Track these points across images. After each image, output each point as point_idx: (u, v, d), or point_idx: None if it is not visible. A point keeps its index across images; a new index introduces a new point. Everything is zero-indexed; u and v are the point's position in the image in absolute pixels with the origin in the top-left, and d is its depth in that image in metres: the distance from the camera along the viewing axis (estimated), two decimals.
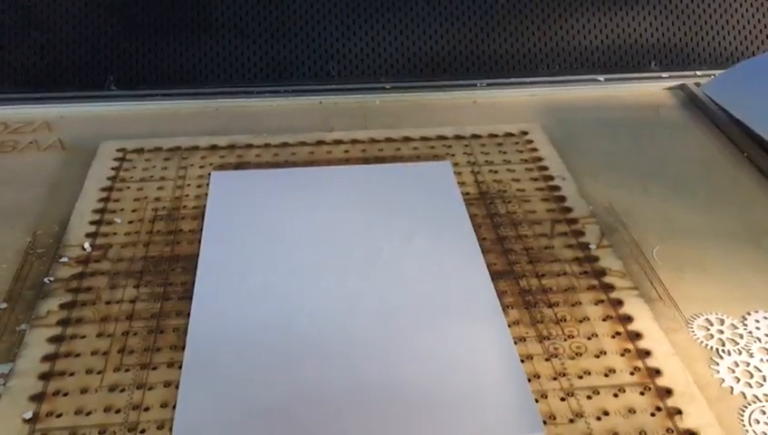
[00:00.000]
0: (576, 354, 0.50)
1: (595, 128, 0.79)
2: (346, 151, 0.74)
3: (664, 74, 0.90)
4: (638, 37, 0.92)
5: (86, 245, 0.60)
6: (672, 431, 0.44)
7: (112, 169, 0.70)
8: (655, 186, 0.69)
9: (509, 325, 0.52)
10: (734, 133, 0.77)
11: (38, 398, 0.46)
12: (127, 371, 0.48)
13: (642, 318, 0.52)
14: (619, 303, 0.54)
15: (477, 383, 0.47)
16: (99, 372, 0.48)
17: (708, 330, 0.52)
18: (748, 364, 0.49)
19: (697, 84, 0.87)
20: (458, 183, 0.68)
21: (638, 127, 0.80)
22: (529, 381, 0.47)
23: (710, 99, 0.83)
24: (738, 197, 0.68)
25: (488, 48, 0.91)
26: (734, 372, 0.49)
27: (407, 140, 0.75)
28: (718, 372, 0.49)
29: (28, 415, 0.45)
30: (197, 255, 0.58)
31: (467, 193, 0.67)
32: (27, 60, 0.87)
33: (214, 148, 0.74)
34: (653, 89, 0.88)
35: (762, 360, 0.49)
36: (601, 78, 0.90)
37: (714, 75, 0.88)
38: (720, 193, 0.68)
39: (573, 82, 0.89)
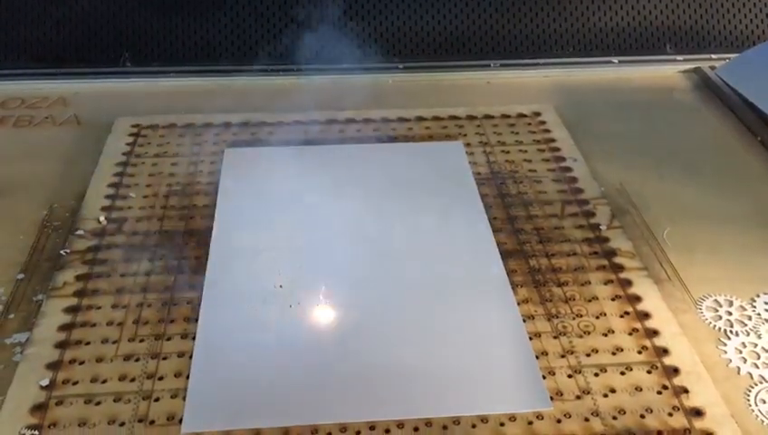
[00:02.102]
0: (584, 333, 0.50)
1: (608, 110, 0.79)
2: (358, 130, 0.74)
3: (678, 57, 0.90)
4: (653, 19, 0.92)
5: (101, 218, 0.60)
6: (678, 409, 0.45)
7: (127, 144, 0.71)
8: (667, 168, 0.69)
9: (518, 304, 0.52)
10: (748, 117, 0.76)
11: (54, 366, 0.47)
12: (141, 341, 0.49)
13: (651, 298, 0.53)
14: (629, 283, 0.54)
15: (486, 360, 0.48)
16: (114, 342, 0.49)
17: (717, 311, 0.52)
18: (756, 345, 0.49)
19: (712, 68, 0.87)
20: (470, 163, 0.68)
21: (652, 109, 0.80)
22: (537, 358, 0.48)
23: (724, 82, 0.83)
24: (750, 180, 0.67)
25: (502, 29, 0.91)
26: (741, 352, 0.49)
27: (419, 119, 0.76)
28: (725, 352, 0.49)
29: (45, 382, 0.46)
30: (211, 229, 0.59)
31: (479, 173, 0.67)
32: (44, 35, 0.87)
33: (227, 125, 0.74)
34: (667, 71, 0.88)
35: None
36: (615, 60, 0.89)
37: (729, 59, 0.87)
38: (732, 176, 0.68)
39: (587, 63, 0.89)
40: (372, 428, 0.43)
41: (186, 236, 0.59)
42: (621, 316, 0.51)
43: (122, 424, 0.43)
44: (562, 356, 0.48)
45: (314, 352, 0.48)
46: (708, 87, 0.84)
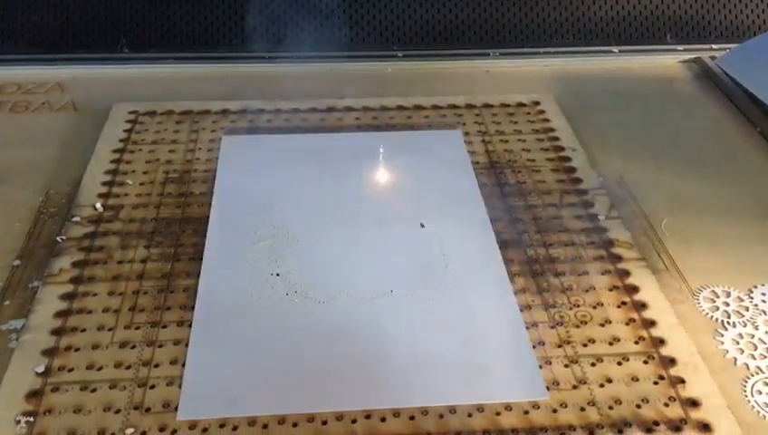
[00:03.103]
0: (581, 323, 0.50)
1: (608, 99, 0.79)
2: (357, 118, 0.74)
3: (679, 47, 0.89)
4: (653, 9, 0.91)
5: (98, 205, 0.60)
6: (674, 400, 0.45)
7: (124, 131, 0.70)
8: (666, 159, 0.69)
9: (515, 293, 0.52)
10: (749, 108, 0.76)
11: (50, 352, 0.47)
12: (137, 328, 0.49)
13: (648, 289, 0.53)
14: (626, 273, 0.54)
15: (483, 349, 0.48)
16: (110, 329, 0.49)
17: (714, 302, 0.52)
18: (753, 336, 0.49)
19: (713, 58, 0.86)
20: (468, 152, 0.68)
21: (652, 100, 0.79)
22: (534, 347, 0.48)
23: (725, 72, 0.82)
24: (749, 171, 0.67)
25: (502, 17, 0.90)
26: (738, 343, 0.49)
27: (418, 108, 0.75)
28: (722, 343, 0.49)
29: (40, 369, 0.46)
30: (208, 217, 0.59)
31: (477, 162, 0.67)
32: (40, 20, 0.87)
33: (225, 112, 0.74)
34: (668, 61, 0.88)
35: (767, 332, 0.50)
36: (616, 49, 0.89)
37: (729, 49, 0.87)
38: (731, 167, 0.68)
39: (587, 53, 0.88)
40: (368, 416, 0.43)
41: (183, 223, 0.59)
42: (618, 306, 0.51)
43: (118, 411, 0.43)
44: (559, 346, 0.48)
45: (311, 341, 0.48)
46: (708, 77, 0.83)
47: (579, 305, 0.51)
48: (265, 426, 0.43)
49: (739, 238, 0.58)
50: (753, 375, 0.47)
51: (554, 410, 0.44)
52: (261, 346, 0.48)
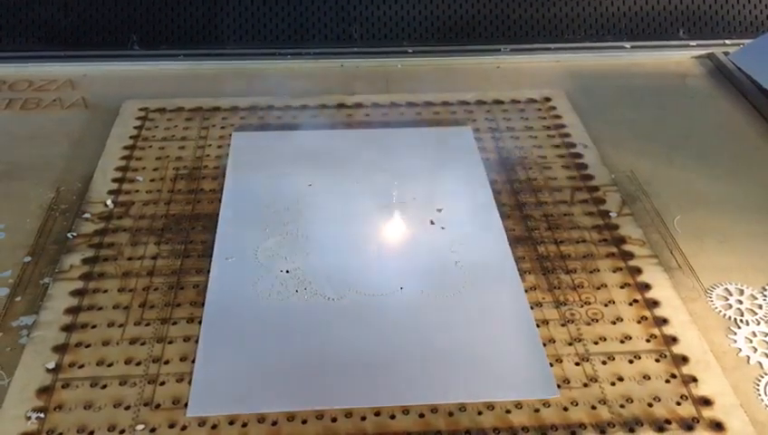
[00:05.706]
0: (592, 320, 0.50)
1: (620, 96, 0.78)
2: (367, 115, 0.73)
3: (692, 42, 0.89)
4: (666, 4, 0.90)
5: (108, 202, 0.60)
6: (686, 398, 0.44)
7: (135, 127, 0.71)
8: (678, 155, 0.68)
9: (526, 291, 0.52)
10: (762, 103, 0.75)
11: (61, 349, 0.47)
12: (147, 325, 0.49)
13: (660, 286, 0.52)
14: (638, 271, 0.54)
15: (493, 347, 0.48)
16: (120, 326, 0.49)
17: (727, 300, 0.52)
18: (766, 335, 0.49)
19: (726, 53, 0.85)
20: (479, 149, 0.68)
21: (664, 96, 0.79)
22: (544, 345, 0.48)
23: (738, 68, 0.81)
24: (763, 167, 0.67)
25: (513, 13, 0.90)
26: (751, 341, 0.48)
27: (428, 104, 0.75)
28: (735, 341, 0.49)
29: (51, 365, 0.46)
30: (218, 213, 0.59)
31: (488, 159, 0.66)
32: (51, 17, 0.87)
33: (235, 109, 0.74)
34: (680, 57, 0.87)
35: None
36: (627, 45, 0.88)
37: (743, 44, 0.86)
38: (744, 164, 0.67)
39: (599, 48, 0.88)
40: (377, 413, 0.43)
41: (192, 220, 0.59)
42: (630, 304, 0.51)
43: (128, 407, 0.43)
44: (570, 344, 0.48)
45: (320, 338, 0.48)
46: (722, 73, 0.82)
47: (590, 303, 0.51)
48: (275, 423, 0.43)
49: (753, 235, 0.58)
50: (766, 374, 0.46)
51: (565, 409, 0.44)
52: (270, 343, 0.48)
